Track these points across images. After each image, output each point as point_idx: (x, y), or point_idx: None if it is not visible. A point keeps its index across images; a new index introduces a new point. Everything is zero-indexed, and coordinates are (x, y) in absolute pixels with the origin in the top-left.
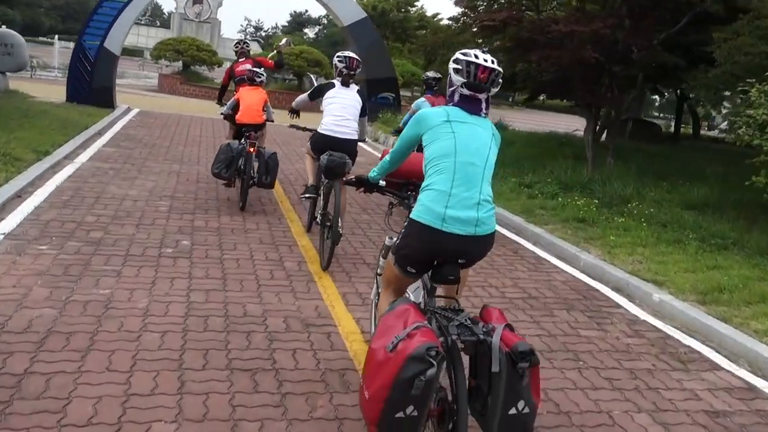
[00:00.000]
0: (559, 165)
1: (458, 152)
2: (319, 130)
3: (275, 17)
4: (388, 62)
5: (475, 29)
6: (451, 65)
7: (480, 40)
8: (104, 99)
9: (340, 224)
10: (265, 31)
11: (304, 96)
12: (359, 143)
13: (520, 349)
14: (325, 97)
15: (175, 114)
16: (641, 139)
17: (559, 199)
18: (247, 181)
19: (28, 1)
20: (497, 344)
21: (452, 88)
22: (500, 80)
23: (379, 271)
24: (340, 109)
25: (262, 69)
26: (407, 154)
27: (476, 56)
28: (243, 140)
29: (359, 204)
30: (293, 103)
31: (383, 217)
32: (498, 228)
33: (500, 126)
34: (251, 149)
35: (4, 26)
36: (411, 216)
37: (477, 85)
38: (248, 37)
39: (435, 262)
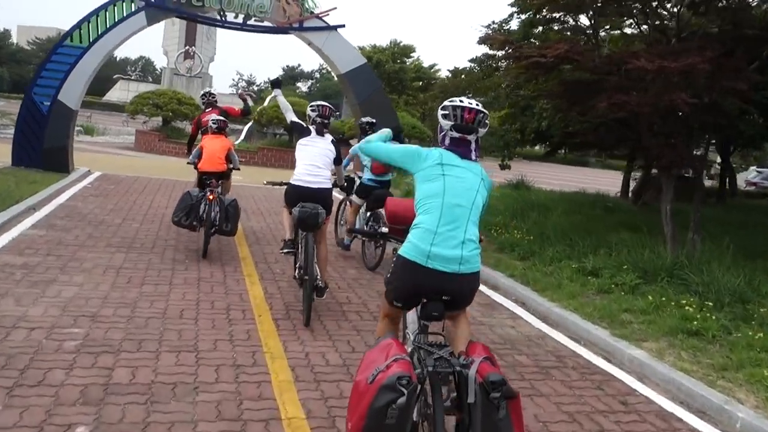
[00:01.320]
0: (621, 241)
1: (446, 193)
2: (291, 182)
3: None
4: (392, 112)
5: (512, 69)
6: (440, 112)
7: (509, 85)
8: (57, 162)
9: (319, 277)
10: (257, 86)
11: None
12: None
13: (491, 379)
14: (298, 145)
15: (143, 178)
16: (684, 199)
17: (648, 296)
18: (208, 228)
19: (19, 59)
20: (473, 375)
21: (442, 133)
22: (487, 122)
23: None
24: (311, 158)
25: (229, 117)
26: (388, 154)
27: (461, 101)
28: (205, 188)
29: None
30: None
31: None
32: (579, 349)
33: (522, 184)
34: (211, 196)
35: None
36: (399, 252)
37: (465, 126)
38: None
39: (423, 300)
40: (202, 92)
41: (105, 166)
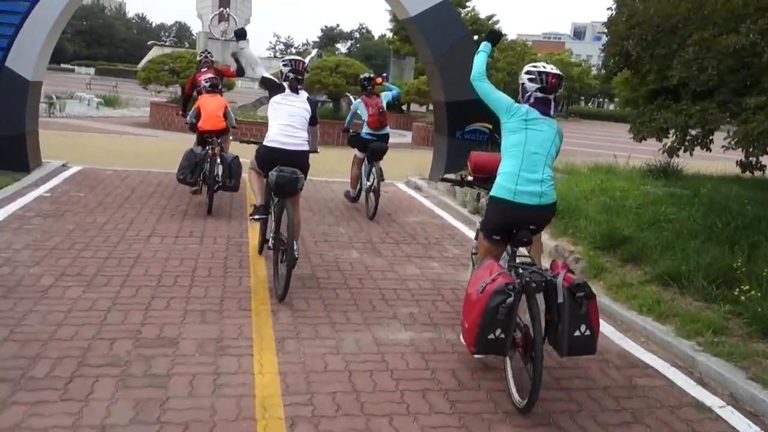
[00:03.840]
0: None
1: (527, 143)
2: (264, 143)
3: (305, 33)
4: None
5: None
6: (524, 76)
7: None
8: (8, 157)
9: (295, 247)
10: (295, 48)
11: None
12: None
13: (576, 283)
14: (270, 103)
15: (137, 173)
16: None
17: None
18: (212, 185)
19: None
20: (560, 282)
21: (528, 93)
22: (563, 83)
23: (473, 250)
24: (287, 117)
25: (223, 80)
26: (490, 97)
27: (544, 66)
28: (206, 146)
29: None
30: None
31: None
32: None
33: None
34: (214, 153)
35: None
36: (491, 194)
37: (548, 89)
38: (279, 53)
39: (513, 231)
40: (200, 51)
41: (95, 153)
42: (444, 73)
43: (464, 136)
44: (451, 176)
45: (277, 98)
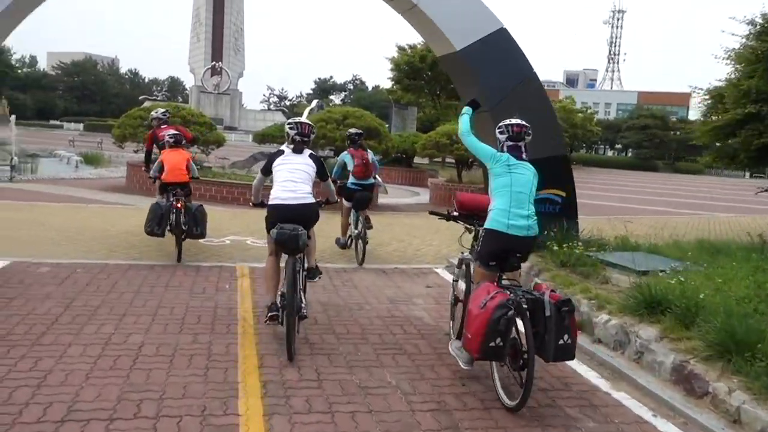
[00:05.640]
0: None
1: (513, 185)
2: (268, 203)
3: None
4: (552, 122)
5: None
6: (497, 130)
7: None
8: None
9: (303, 302)
10: (289, 100)
11: (258, 177)
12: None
13: (562, 299)
14: (273, 167)
15: (93, 266)
16: None
17: None
18: (179, 234)
19: (43, 84)
20: (547, 299)
21: (501, 143)
22: (530, 132)
23: (454, 278)
24: (287, 174)
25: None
26: (475, 148)
27: (511, 120)
28: (170, 197)
29: None
30: (253, 197)
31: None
32: None
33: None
34: (178, 205)
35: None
36: (486, 227)
37: (515, 136)
38: (272, 106)
39: (503, 258)
40: (160, 111)
41: (40, 236)
42: (502, 119)
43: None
44: (439, 210)
45: (277, 161)
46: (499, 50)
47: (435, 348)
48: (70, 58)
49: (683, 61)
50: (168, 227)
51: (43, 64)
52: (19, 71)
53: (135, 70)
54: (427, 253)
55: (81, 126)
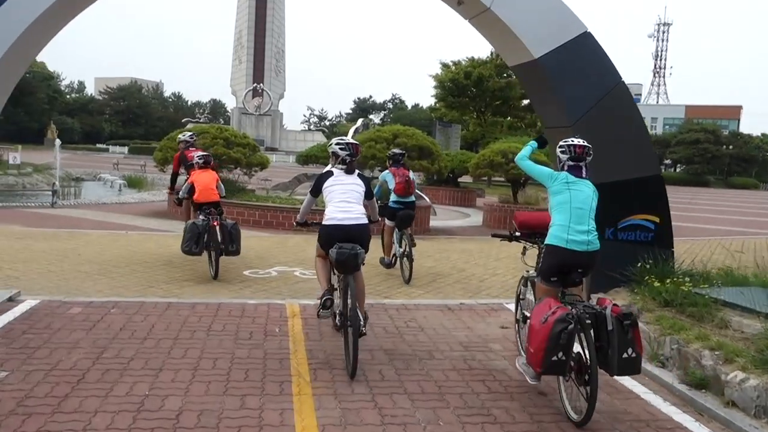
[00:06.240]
0: None
1: (572, 201)
2: (323, 222)
3: (339, 105)
4: (643, 138)
5: None
6: (558, 150)
7: None
8: None
9: (361, 321)
10: (329, 120)
11: (307, 198)
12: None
13: (624, 312)
14: (324, 190)
15: (128, 305)
16: None
17: None
18: (216, 251)
19: (90, 109)
20: (609, 313)
21: (562, 163)
22: (591, 152)
23: (519, 294)
24: (341, 194)
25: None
26: (532, 170)
27: (573, 140)
28: (206, 216)
29: None
30: (299, 216)
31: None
32: None
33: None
34: (215, 223)
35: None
36: (546, 242)
37: (577, 157)
38: (312, 126)
39: (565, 273)
40: (187, 134)
41: (74, 269)
42: (595, 136)
43: (618, 236)
44: (501, 233)
45: (328, 182)
46: (583, 57)
47: (531, 414)
48: (117, 83)
49: (733, 73)
50: (204, 246)
51: (90, 89)
52: (68, 96)
53: (178, 93)
54: (493, 284)
55: (126, 149)
